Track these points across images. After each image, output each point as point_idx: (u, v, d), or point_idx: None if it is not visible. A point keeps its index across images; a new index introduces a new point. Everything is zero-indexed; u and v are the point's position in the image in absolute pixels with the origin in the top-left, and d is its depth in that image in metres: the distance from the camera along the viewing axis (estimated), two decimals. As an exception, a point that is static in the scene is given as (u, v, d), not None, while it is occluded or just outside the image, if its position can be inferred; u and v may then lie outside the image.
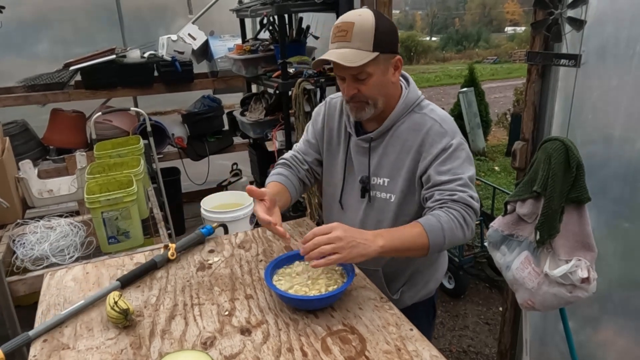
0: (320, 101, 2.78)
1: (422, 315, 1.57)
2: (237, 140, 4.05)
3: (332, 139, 1.52)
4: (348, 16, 1.27)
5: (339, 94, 1.49)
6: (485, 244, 1.95)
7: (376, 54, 1.25)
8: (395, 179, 1.37)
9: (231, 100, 4.31)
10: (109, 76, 3.53)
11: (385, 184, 1.39)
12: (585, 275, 1.46)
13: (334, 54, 1.26)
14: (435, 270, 1.57)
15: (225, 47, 3.88)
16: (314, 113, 1.59)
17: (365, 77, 1.28)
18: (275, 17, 2.89)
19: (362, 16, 1.25)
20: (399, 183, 1.37)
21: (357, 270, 1.30)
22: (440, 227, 1.21)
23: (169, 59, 3.62)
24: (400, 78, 1.40)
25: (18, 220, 2.21)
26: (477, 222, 3.18)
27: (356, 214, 1.46)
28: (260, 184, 3.52)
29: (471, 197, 1.26)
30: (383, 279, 1.47)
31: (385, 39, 1.26)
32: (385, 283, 1.48)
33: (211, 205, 3.06)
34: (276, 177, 1.49)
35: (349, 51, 1.24)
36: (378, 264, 1.44)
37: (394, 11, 2.85)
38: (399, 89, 1.40)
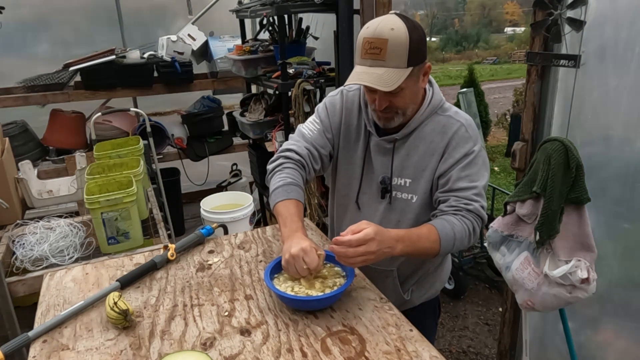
0: (320, 102, 2.79)
1: (428, 314, 1.60)
2: (237, 140, 4.04)
3: (350, 137, 1.45)
4: (380, 30, 1.18)
5: (355, 86, 1.45)
6: (485, 244, 1.95)
7: (410, 68, 1.20)
8: (418, 179, 1.36)
9: (231, 100, 4.32)
10: (109, 77, 3.52)
11: (407, 185, 1.38)
12: (584, 275, 1.46)
13: (370, 78, 1.20)
14: (442, 270, 1.59)
15: (225, 47, 3.88)
16: (327, 103, 1.48)
17: (399, 91, 1.23)
18: (275, 17, 2.89)
19: (395, 31, 1.17)
20: (421, 184, 1.36)
21: (356, 271, 1.30)
22: (452, 237, 1.26)
23: (169, 59, 3.62)
24: None
25: (18, 221, 2.21)
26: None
27: (374, 214, 1.43)
28: (261, 184, 3.51)
29: (482, 207, 1.31)
30: (397, 279, 1.48)
31: (418, 51, 1.21)
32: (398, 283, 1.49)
33: (211, 206, 3.06)
34: (295, 190, 1.35)
35: (385, 71, 1.19)
36: (393, 264, 1.46)
37: (393, 12, 2.84)
38: (424, 90, 1.37)
